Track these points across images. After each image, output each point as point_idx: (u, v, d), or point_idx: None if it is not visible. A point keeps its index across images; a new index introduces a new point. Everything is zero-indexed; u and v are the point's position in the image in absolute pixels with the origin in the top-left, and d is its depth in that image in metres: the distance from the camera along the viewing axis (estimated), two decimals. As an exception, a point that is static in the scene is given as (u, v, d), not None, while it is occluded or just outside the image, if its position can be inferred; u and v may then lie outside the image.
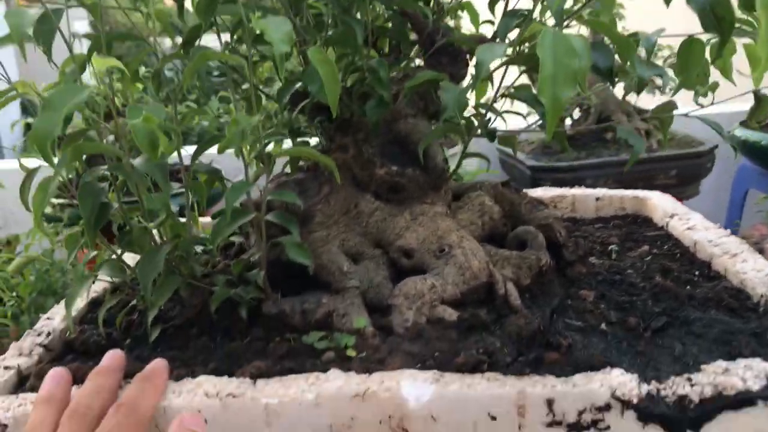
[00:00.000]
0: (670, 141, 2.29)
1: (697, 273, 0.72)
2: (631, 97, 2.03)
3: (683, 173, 2.18)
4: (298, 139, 0.70)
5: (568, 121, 2.17)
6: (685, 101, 0.76)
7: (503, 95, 0.63)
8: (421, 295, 0.62)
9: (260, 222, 0.60)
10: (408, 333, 0.60)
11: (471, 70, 0.81)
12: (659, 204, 0.90)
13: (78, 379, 0.54)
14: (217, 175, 0.65)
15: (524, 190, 0.76)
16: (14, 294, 1.34)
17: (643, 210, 0.94)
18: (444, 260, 0.66)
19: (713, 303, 0.63)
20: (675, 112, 0.70)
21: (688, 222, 0.83)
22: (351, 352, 0.57)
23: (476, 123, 0.67)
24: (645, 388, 0.50)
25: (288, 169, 0.74)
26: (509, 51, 0.60)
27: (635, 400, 0.49)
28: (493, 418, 0.49)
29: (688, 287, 0.68)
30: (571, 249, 0.70)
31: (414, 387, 0.50)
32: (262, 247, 0.61)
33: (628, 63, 0.53)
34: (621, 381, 0.50)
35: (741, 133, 1.90)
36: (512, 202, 0.74)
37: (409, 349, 0.57)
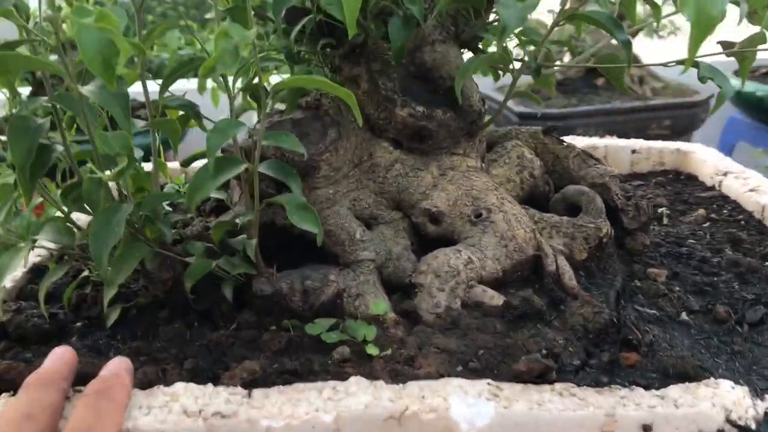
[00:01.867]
0: (664, 89, 2.18)
1: (772, 246, 0.60)
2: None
3: (677, 123, 2.07)
4: (298, 68, 0.55)
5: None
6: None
7: (565, 19, 0.49)
8: (455, 272, 0.49)
9: (253, 175, 0.46)
10: (440, 322, 0.47)
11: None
12: (706, 159, 0.78)
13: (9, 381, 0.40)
14: (192, 111, 0.50)
15: (571, 141, 0.62)
16: None
17: (685, 165, 0.82)
18: (481, 227, 0.52)
19: (813, 287, 0.51)
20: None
21: (747, 182, 0.71)
22: (372, 350, 0.44)
23: (523, 54, 0.53)
24: (761, 406, 0.38)
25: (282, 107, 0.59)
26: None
27: (753, 425, 0.37)
28: (573, 450, 0.37)
29: (770, 264, 0.56)
30: (631, 215, 0.58)
31: (466, 405, 0.37)
32: (255, 209, 0.47)
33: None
34: (734, 399, 0.38)
35: (734, 83, 1.79)
36: (557, 155, 0.61)
37: (444, 345, 0.44)
